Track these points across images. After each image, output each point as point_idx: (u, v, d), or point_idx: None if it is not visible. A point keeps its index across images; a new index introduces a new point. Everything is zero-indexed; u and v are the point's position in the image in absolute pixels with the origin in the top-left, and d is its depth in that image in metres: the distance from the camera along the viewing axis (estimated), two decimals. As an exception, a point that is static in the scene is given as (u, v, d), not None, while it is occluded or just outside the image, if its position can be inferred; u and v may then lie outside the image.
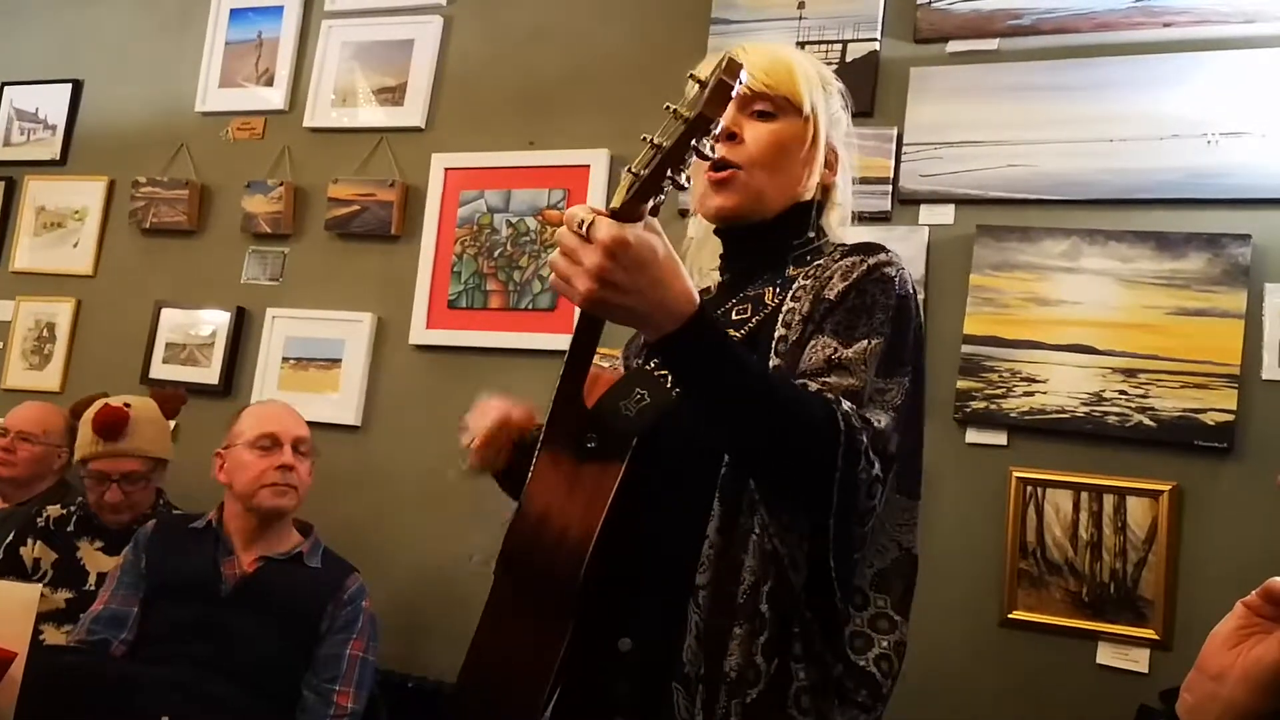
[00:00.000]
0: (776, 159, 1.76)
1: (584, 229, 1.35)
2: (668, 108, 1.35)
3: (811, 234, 1.83)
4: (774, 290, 1.75)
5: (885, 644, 1.64)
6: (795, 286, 1.71)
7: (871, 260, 1.69)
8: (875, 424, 1.54)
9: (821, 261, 1.74)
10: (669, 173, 1.35)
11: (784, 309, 1.69)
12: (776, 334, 1.67)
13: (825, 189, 1.86)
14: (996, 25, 3.17)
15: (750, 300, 1.77)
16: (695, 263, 1.94)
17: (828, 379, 1.57)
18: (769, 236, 1.81)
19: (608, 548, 1.57)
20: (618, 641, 1.66)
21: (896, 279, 1.68)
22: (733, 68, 1.31)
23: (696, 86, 1.36)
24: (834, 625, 1.59)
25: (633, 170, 1.38)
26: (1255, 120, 2.86)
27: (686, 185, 1.38)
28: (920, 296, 1.79)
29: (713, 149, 1.37)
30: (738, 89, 1.33)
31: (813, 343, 1.63)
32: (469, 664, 1.71)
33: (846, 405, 1.51)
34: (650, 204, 1.37)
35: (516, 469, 1.82)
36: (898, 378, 1.64)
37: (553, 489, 1.64)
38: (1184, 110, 2.93)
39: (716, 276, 1.91)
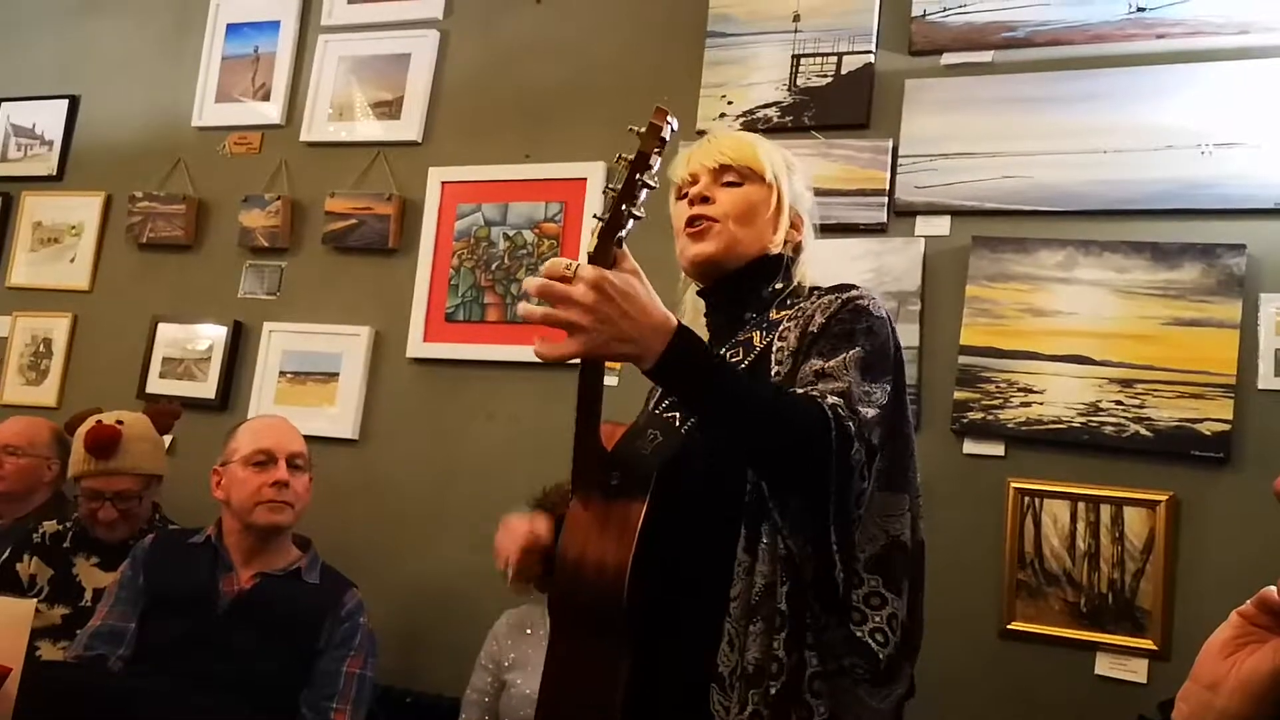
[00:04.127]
0: (746, 214, 2.02)
1: (571, 271, 1.55)
2: (618, 158, 1.58)
3: (781, 285, 2.05)
4: (761, 333, 1.96)
5: (878, 618, 1.80)
6: (780, 327, 1.93)
7: (846, 296, 1.92)
8: (862, 414, 1.72)
9: (803, 304, 1.96)
10: (625, 208, 1.57)
11: (773, 349, 1.91)
12: (772, 371, 1.87)
13: (796, 247, 2.10)
14: (991, 38, 3.18)
15: (740, 345, 1.96)
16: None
17: (816, 387, 1.76)
18: (744, 284, 2.04)
19: (649, 572, 1.74)
20: (658, 656, 1.81)
21: (870, 307, 1.90)
22: (660, 112, 1.57)
23: (636, 137, 1.58)
24: (842, 610, 1.78)
25: (596, 216, 1.59)
26: (1249, 131, 2.87)
27: (642, 215, 1.59)
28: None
29: (655, 178, 1.59)
30: (668, 130, 1.57)
31: (802, 367, 1.83)
32: (543, 695, 1.89)
33: (832, 398, 1.71)
34: (617, 238, 1.58)
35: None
36: (880, 382, 1.83)
37: (586, 530, 1.82)
38: (1178, 121, 2.93)
39: (705, 338, 2.08)
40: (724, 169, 2.04)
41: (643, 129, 1.57)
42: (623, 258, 1.59)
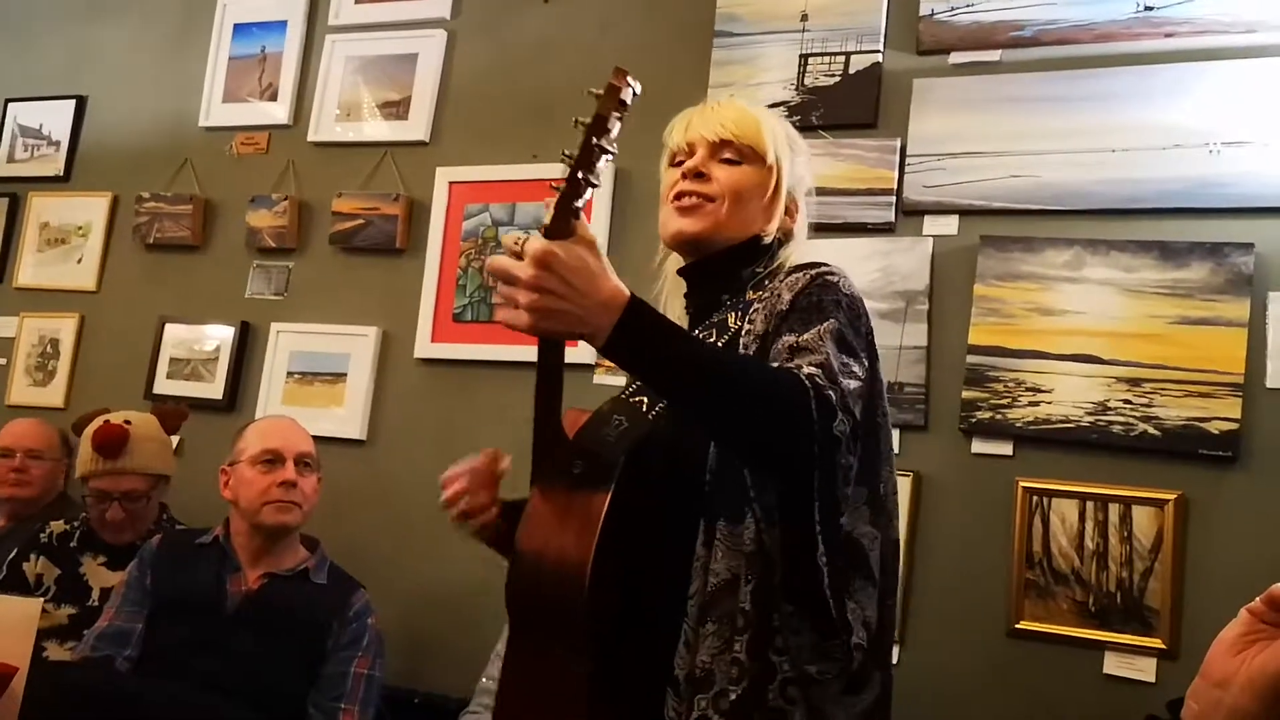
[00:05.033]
0: (740, 197, 1.92)
1: (519, 246, 1.49)
2: (575, 122, 1.50)
3: (762, 269, 1.95)
4: (736, 315, 1.87)
5: None
6: (751, 310, 1.84)
7: (814, 272, 1.83)
8: (843, 385, 1.62)
9: (772, 284, 1.86)
10: (581, 175, 1.49)
11: (743, 331, 1.82)
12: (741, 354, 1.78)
13: (786, 234, 2.00)
14: (998, 37, 3.17)
15: (714, 326, 1.89)
16: (668, 307, 2.08)
17: (794, 361, 1.66)
18: (725, 266, 1.95)
19: (612, 569, 1.62)
20: (618, 658, 1.69)
21: (840, 283, 1.81)
22: (619, 73, 1.49)
23: (594, 100, 1.51)
24: (819, 606, 1.65)
25: (553, 185, 1.51)
26: (1257, 129, 2.86)
27: (598, 184, 1.52)
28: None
29: (613, 144, 1.51)
30: (629, 92, 1.49)
31: (774, 345, 1.74)
32: (502, 703, 1.78)
33: (809, 369, 1.61)
34: (576, 207, 1.50)
35: (508, 534, 1.84)
36: (857, 357, 1.73)
37: (546, 523, 1.70)
38: (1186, 120, 2.93)
39: (686, 321, 2.00)
40: (724, 144, 1.94)
41: (600, 91, 1.49)
42: (579, 228, 1.51)
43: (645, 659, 1.72)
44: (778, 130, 1.99)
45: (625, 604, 1.69)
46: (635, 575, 1.71)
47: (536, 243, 1.47)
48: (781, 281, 1.84)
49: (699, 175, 1.92)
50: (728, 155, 1.93)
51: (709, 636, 1.67)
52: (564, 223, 1.49)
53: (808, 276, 1.81)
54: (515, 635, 1.76)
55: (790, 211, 2.00)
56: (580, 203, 1.50)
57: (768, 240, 1.96)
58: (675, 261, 2.04)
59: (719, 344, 1.83)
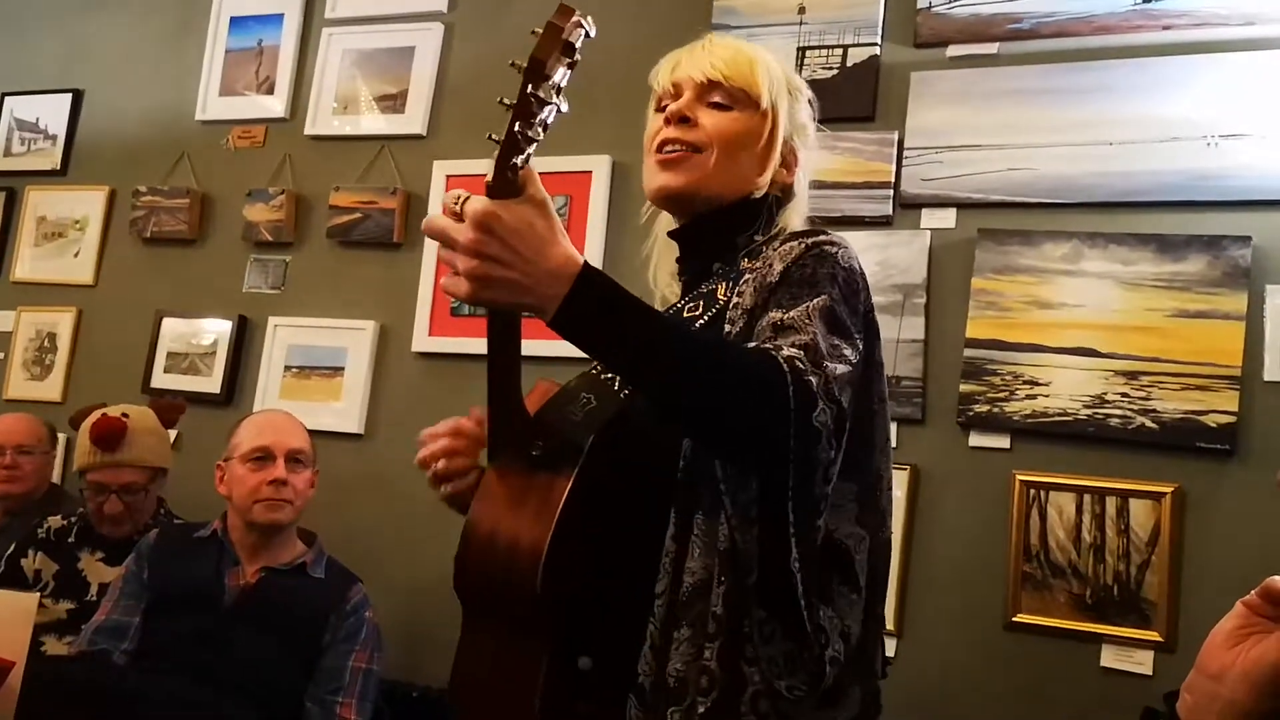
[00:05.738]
0: (730, 146, 1.73)
1: (459, 205, 1.35)
2: (512, 63, 1.34)
3: (760, 234, 1.77)
4: (727, 285, 1.70)
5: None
6: (742, 281, 1.66)
7: (810, 240, 1.65)
8: (828, 370, 1.45)
9: (766, 252, 1.69)
10: (517, 127, 1.34)
11: (731, 305, 1.64)
12: (725, 331, 1.62)
13: (784, 189, 1.82)
14: (996, 29, 3.17)
15: (702, 297, 1.72)
16: (657, 271, 1.95)
17: (775, 341, 1.49)
18: (720, 231, 1.77)
19: (570, 559, 1.50)
20: (578, 660, 1.56)
21: (839, 254, 1.63)
22: (564, 10, 1.34)
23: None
24: (793, 615, 1.48)
25: (491, 139, 1.36)
26: (1255, 122, 2.86)
27: (539, 138, 1.36)
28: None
29: (556, 93, 1.35)
30: (576, 33, 1.34)
31: (759, 322, 1.57)
32: (454, 692, 1.67)
33: (789, 351, 1.44)
34: (515, 164, 1.35)
35: None
36: (850, 340, 1.55)
37: (499, 504, 1.58)
38: (1184, 113, 2.92)
39: (677, 289, 1.85)
40: (713, 86, 1.75)
41: (539, 30, 1.32)
42: (528, 184, 1.36)
43: (608, 657, 1.56)
44: (775, 71, 1.80)
45: (588, 597, 1.55)
46: (600, 567, 1.56)
47: (477, 202, 1.34)
48: (775, 250, 1.66)
49: (684, 120, 1.73)
50: (717, 99, 1.75)
51: (683, 643, 1.50)
52: (505, 181, 1.35)
53: (803, 245, 1.63)
54: (468, 618, 1.64)
55: (788, 163, 1.81)
56: (520, 159, 1.35)
57: (759, 194, 1.77)
58: (666, 222, 1.87)
59: (705, 316, 1.67)
